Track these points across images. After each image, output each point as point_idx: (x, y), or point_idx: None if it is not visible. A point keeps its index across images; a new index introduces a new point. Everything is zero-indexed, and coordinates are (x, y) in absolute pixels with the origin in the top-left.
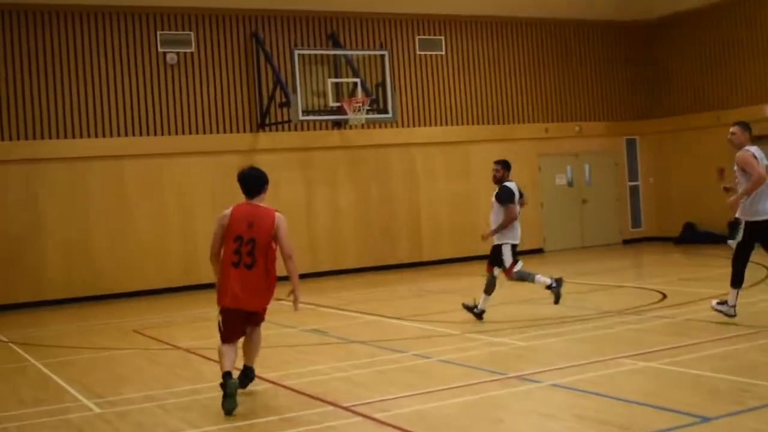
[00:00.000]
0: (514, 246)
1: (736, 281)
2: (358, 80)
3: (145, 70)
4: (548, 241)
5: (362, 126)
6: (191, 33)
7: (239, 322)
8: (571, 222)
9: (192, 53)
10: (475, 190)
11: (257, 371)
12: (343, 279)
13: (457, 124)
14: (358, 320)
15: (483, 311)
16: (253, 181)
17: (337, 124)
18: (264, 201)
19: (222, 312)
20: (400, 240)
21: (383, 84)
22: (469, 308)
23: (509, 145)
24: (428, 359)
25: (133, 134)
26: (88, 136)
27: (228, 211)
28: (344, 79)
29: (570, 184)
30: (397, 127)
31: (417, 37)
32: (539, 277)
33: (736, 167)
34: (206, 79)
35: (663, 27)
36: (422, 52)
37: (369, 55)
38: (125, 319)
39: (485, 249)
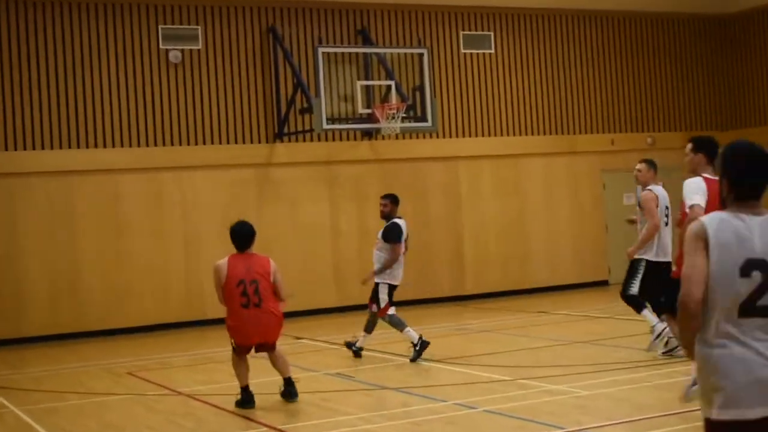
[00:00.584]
0: (392, 287)
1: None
2: (392, 83)
3: (144, 70)
4: (614, 272)
5: (396, 136)
6: (198, 27)
7: (250, 348)
8: None
9: (199, 50)
10: (528, 212)
11: (270, 421)
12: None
13: (508, 134)
14: (391, 363)
15: (361, 349)
16: (245, 238)
17: (368, 134)
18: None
19: (236, 347)
20: (440, 269)
21: (421, 87)
22: (349, 345)
23: (568, 159)
24: (472, 409)
25: (129, 145)
26: (77, 146)
27: (224, 262)
28: (376, 82)
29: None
30: (437, 137)
31: (461, 33)
32: (409, 330)
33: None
34: (215, 81)
35: (752, 21)
36: (467, 51)
37: (405, 54)
38: (118, 360)
39: (540, 280)
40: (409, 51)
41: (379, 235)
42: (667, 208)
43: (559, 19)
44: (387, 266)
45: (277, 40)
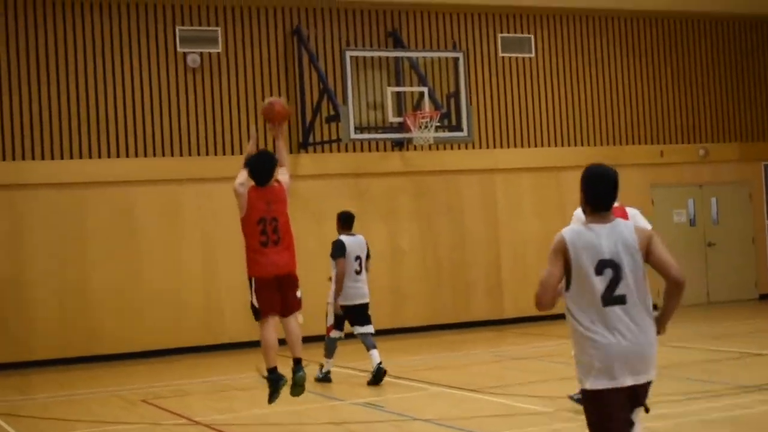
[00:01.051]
0: (346, 308)
1: None
2: (425, 89)
3: (161, 75)
4: (662, 295)
5: (429, 147)
6: (218, 29)
7: (275, 294)
8: (694, 271)
9: (218, 54)
10: None
11: None
12: (405, 339)
13: (549, 145)
14: (423, 392)
15: (328, 372)
16: (266, 172)
17: (398, 144)
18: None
19: (257, 282)
20: (476, 292)
21: (456, 94)
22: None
23: None
24: None
25: (144, 154)
26: (89, 156)
27: (245, 189)
28: (408, 88)
29: (692, 222)
30: (472, 148)
31: (499, 36)
32: (329, 362)
33: None
34: (236, 87)
35: None
36: (506, 54)
37: (439, 58)
38: (131, 386)
39: None
40: (443, 55)
41: None
42: None
43: (604, 20)
44: (336, 284)
45: (302, 42)
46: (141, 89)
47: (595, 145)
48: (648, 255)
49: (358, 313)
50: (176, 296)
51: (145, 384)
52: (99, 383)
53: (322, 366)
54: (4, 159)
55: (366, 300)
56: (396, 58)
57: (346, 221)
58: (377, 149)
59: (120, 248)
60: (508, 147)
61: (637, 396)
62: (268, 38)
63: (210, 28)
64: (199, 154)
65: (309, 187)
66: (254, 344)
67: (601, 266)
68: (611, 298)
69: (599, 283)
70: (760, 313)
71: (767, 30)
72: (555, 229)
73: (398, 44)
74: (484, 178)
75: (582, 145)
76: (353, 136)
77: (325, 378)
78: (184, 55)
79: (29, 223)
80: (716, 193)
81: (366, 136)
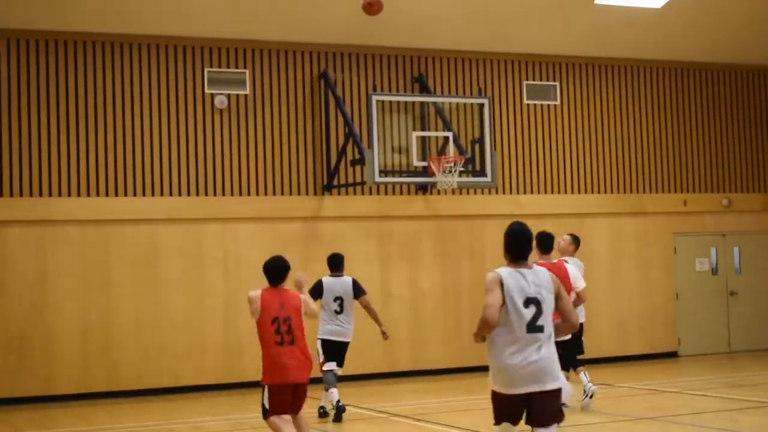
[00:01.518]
0: (326, 342)
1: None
2: (449, 134)
3: (188, 116)
4: (684, 343)
5: (453, 191)
6: (246, 71)
7: (287, 399)
8: (715, 320)
9: (246, 95)
10: (591, 277)
11: None
12: (426, 382)
13: (572, 192)
14: None
15: (323, 409)
16: (280, 272)
17: (422, 188)
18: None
19: (270, 390)
20: None
21: (481, 140)
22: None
23: (637, 220)
24: None
25: (170, 194)
26: (115, 194)
27: (257, 294)
28: (432, 133)
29: (714, 271)
30: (496, 193)
31: (524, 83)
32: (333, 392)
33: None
34: (262, 128)
35: None
36: (531, 101)
37: (464, 104)
38: (151, 422)
39: (605, 350)
40: (468, 101)
41: None
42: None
43: (629, 69)
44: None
45: (329, 86)
46: (168, 129)
47: (618, 192)
48: (557, 299)
49: (333, 349)
50: (197, 334)
51: (165, 420)
52: (119, 419)
53: (322, 408)
54: (31, 195)
55: (342, 339)
56: (421, 103)
57: (330, 263)
58: (401, 193)
59: (142, 285)
60: (532, 193)
61: (539, 404)
62: (296, 81)
63: (238, 70)
64: (223, 194)
65: (333, 229)
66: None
67: (527, 302)
68: (533, 326)
69: (526, 315)
70: None
71: None
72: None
73: (424, 89)
74: (507, 223)
75: (605, 192)
76: (378, 179)
77: (338, 410)
78: (212, 96)
79: (55, 259)
80: (739, 242)
81: (390, 179)
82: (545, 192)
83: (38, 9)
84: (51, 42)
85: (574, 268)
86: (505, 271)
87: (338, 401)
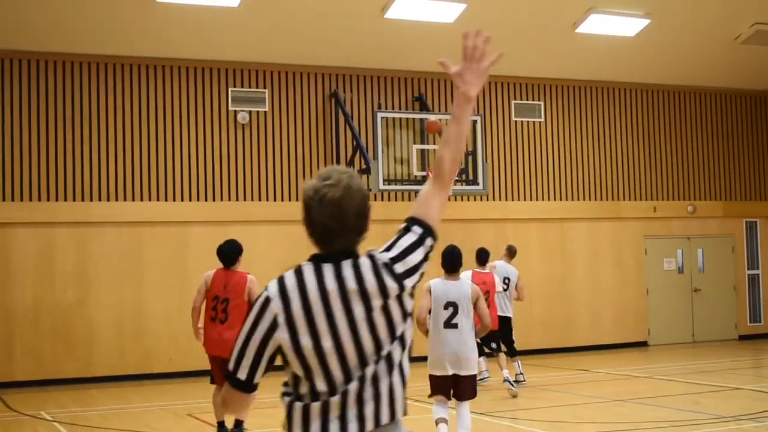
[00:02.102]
0: None
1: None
2: None
3: (214, 130)
4: (653, 334)
5: (448, 198)
6: (265, 91)
7: (215, 369)
8: (681, 313)
9: (265, 112)
10: (571, 274)
11: None
12: (416, 368)
13: (554, 199)
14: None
15: None
16: (229, 254)
17: None
18: (239, 267)
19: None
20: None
21: (474, 152)
22: None
23: (612, 224)
24: None
25: (198, 199)
26: (149, 199)
27: (212, 273)
28: (431, 146)
29: (680, 270)
30: (487, 200)
31: (513, 102)
32: None
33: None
34: (279, 141)
35: None
36: (518, 119)
37: None
38: (179, 402)
39: (582, 340)
40: None
41: None
42: (507, 279)
43: (606, 91)
44: None
45: (339, 104)
46: (196, 141)
47: (595, 199)
48: (474, 305)
49: None
50: None
51: (192, 400)
52: (150, 398)
53: None
54: (74, 200)
55: None
56: (421, 120)
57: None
58: (403, 199)
59: (172, 280)
60: (519, 200)
61: (457, 383)
62: (309, 100)
63: (258, 89)
64: (244, 199)
65: None
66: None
67: (447, 305)
68: (450, 324)
69: (444, 315)
70: (739, 352)
71: (749, 102)
72: (558, 271)
73: (424, 107)
74: (496, 226)
75: (584, 199)
76: (382, 187)
77: None
78: (235, 113)
79: (94, 257)
80: (702, 245)
81: (393, 187)
82: (531, 199)
83: (94, 36)
84: (102, 65)
85: (497, 277)
86: (435, 281)
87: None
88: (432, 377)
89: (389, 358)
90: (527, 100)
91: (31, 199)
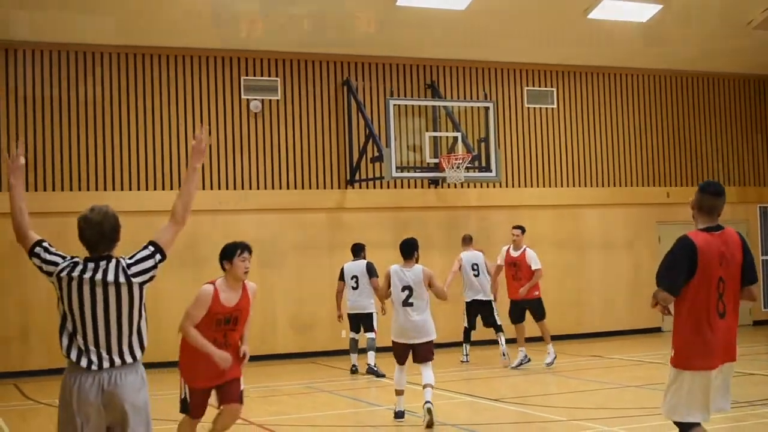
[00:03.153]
0: (348, 315)
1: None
2: (458, 134)
3: (227, 118)
4: (668, 320)
5: (461, 185)
6: (277, 79)
7: (206, 400)
8: None
9: (278, 101)
10: (584, 260)
11: None
12: (437, 354)
13: (568, 185)
14: (452, 401)
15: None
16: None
17: (434, 182)
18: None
19: (192, 393)
20: (501, 312)
21: (486, 139)
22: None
23: (625, 210)
24: None
25: (211, 188)
26: (162, 188)
27: (211, 290)
28: (443, 133)
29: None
30: (500, 187)
31: (525, 89)
32: (353, 356)
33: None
34: (292, 129)
35: None
36: (531, 105)
37: (471, 107)
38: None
39: (596, 326)
40: (475, 104)
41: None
42: (475, 265)
43: (619, 77)
44: (336, 298)
45: (351, 92)
46: (209, 131)
47: (608, 186)
48: (430, 285)
49: (357, 320)
50: None
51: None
52: (166, 385)
53: (354, 366)
54: (89, 189)
55: (359, 311)
56: (433, 107)
57: (352, 250)
58: (415, 186)
59: (186, 267)
60: (532, 186)
61: (417, 350)
62: (322, 88)
63: (271, 78)
64: (258, 188)
65: (354, 218)
66: (301, 356)
67: (404, 288)
68: (407, 302)
69: (402, 296)
70: (753, 338)
71: (761, 88)
72: (571, 258)
73: (436, 94)
74: (510, 213)
75: (597, 186)
76: (394, 174)
77: (371, 371)
78: (248, 101)
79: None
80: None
81: (406, 174)
82: (544, 186)
83: (105, 27)
84: (114, 55)
85: (457, 263)
86: (394, 268)
87: (353, 364)
88: (394, 343)
89: (130, 323)
90: (540, 86)
91: (45, 189)
